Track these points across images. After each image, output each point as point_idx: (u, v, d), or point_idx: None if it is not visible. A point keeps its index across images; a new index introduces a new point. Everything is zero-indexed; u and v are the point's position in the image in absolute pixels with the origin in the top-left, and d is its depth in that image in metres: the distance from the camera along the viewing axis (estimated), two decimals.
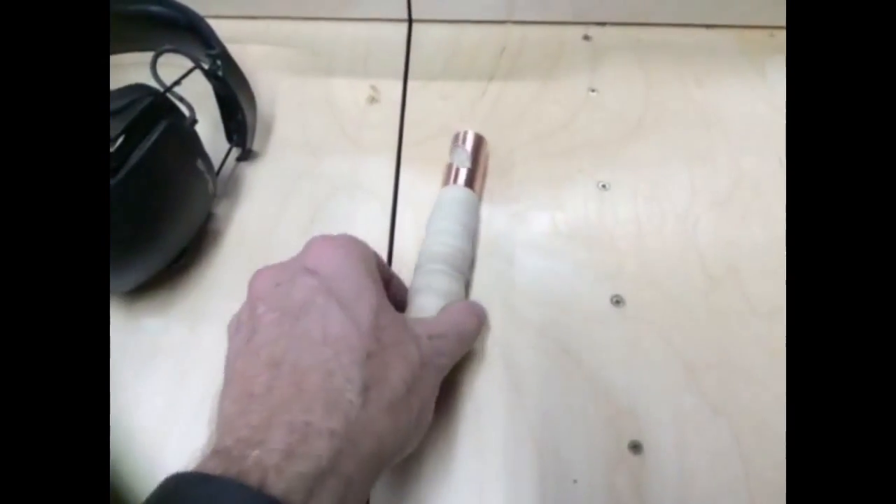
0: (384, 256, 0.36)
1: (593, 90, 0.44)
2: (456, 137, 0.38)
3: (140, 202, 0.30)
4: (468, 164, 0.37)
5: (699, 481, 0.28)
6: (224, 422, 0.22)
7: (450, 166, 0.37)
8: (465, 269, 0.34)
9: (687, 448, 0.29)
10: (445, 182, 0.37)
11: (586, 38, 0.48)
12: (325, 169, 0.40)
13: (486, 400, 0.31)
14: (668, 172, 0.39)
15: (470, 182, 0.37)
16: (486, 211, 0.38)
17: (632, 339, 0.33)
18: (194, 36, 0.38)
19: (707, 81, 0.45)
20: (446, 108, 0.43)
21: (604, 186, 0.39)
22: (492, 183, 0.39)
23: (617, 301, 0.34)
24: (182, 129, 0.32)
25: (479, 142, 0.38)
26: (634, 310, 0.34)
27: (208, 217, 0.37)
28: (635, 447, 0.29)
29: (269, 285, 0.26)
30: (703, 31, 0.48)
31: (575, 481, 0.29)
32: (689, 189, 0.39)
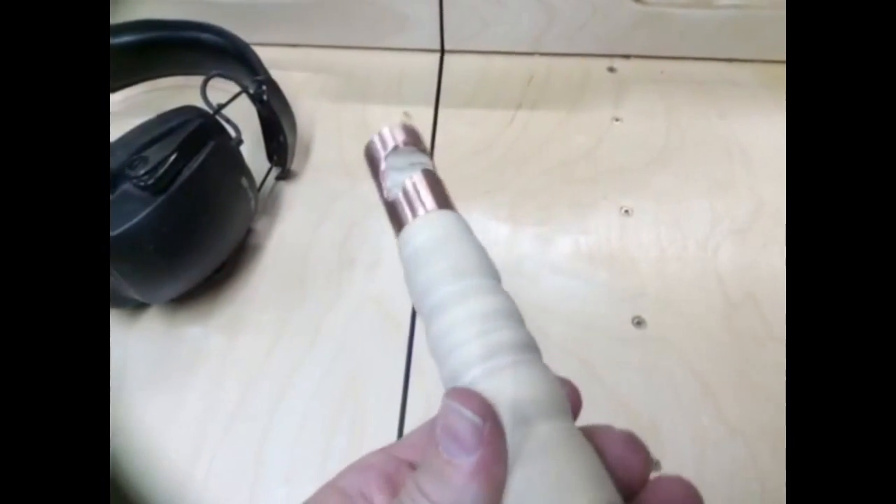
0: None
1: (617, 119, 0.46)
2: (377, 145, 0.22)
3: (188, 216, 0.32)
4: (422, 164, 0.21)
5: (717, 500, 0.29)
6: None
7: (394, 201, 0.21)
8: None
9: (704, 467, 0.30)
10: (398, 227, 0.21)
11: (611, 69, 0.50)
12: (360, 189, 0.42)
13: None
14: (690, 200, 0.41)
15: (438, 198, 0.21)
16: (512, 232, 0.39)
17: (652, 359, 0.34)
18: (241, 62, 0.40)
19: (728, 113, 0.46)
20: (475, 134, 0.45)
21: (627, 212, 0.40)
22: (518, 206, 0.41)
23: (638, 322, 0.35)
24: (228, 149, 0.35)
25: (410, 134, 0.22)
26: (655, 331, 0.35)
27: (248, 232, 0.39)
28: (654, 465, 0.30)
29: None
30: (724, 64, 0.50)
31: None
32: (710, 216, 0.40)
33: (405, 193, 0.20)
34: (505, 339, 0.17)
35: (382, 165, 0.21)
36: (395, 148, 0.21)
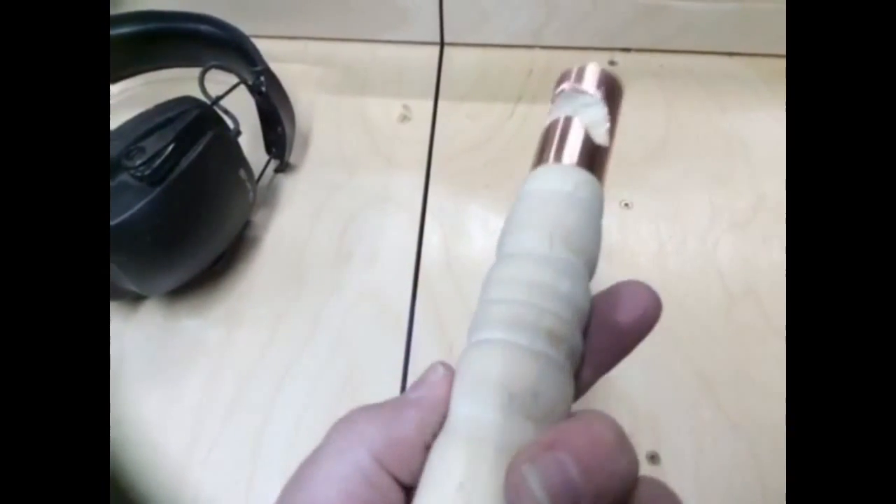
0: (411, 267, 0.37)
1: None
2: (567, 77, 0.21)
3: (185, 207, 0.32)
4: (603, 123, 0.20)
5: (715, 493, 0.29)
6: None
7: (553, 127, 0.20)
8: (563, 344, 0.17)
9: (704, 460, 0.30)
10: (540, 158, 0.20)
11: (611, 63, 0.50)
12: (358, 182, 0.41)
13: None
14: (690, 194, 0.41)
15: (591, 160, 0.19)
16: None
17: (651, 352, 0.33)
18: (240, 54, 0.40)
19: (729, 107, 0.46)
20: (475, 127, 0.45)
21: (626, 205, 0.40)
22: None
23: None
24: (227, 140, 0.34)
25: (611, 88, 0.21)
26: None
27: (246, 224, 0.39)
28: (653, 458, 0.30)
29: None
30: (725, 58, 0.50)
31: None
32: (710, 210, 0.40)
33: (555, 131, 0.20)
34: (517, 314, 0.17)
35: (557, 91, 0.21)
36: (580, 89, 0.20)
